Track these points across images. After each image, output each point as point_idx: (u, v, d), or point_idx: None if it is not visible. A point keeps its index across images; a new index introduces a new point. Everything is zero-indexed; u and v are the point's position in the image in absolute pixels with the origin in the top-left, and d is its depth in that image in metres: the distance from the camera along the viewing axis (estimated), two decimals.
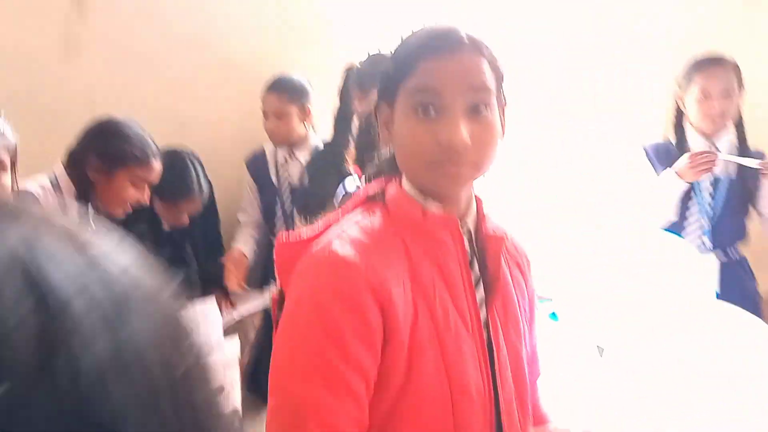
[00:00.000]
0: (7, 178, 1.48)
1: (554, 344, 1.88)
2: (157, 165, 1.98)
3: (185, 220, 2.37)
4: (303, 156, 2.54)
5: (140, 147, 1.92)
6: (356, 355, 0.85)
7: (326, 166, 2.30)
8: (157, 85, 2.60)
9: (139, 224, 2.28)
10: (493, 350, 0.97)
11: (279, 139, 2.54)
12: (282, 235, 0.98)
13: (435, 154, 0.89)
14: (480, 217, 1.01)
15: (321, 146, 2.46)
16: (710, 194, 2.29)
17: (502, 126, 0.97)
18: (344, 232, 0.92)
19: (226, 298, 2.46)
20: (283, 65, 2.54)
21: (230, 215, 2.69)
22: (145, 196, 1.97)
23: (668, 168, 2.25)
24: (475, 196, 1.03)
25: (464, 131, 0.88)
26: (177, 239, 2.46)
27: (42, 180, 1.89)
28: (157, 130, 2.37)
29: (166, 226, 2.40)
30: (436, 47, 0.90)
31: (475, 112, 0.90)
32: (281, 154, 2.58)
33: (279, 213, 2.61)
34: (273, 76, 2.51)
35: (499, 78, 0.95)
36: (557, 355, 1.83)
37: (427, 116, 0.89)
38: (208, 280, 2.50)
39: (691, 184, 2.25)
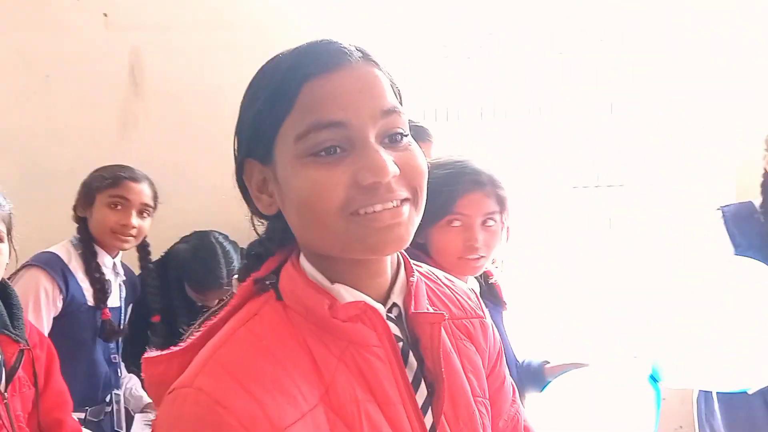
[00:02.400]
0: (4, 247, 1.53)
1: None
2: (136, 185, 2.07)
3: (213, 303, 2.35)
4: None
5: (112, 172, 2.07)
6: None
7: None
8: (205, 161, 2.74)
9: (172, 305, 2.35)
10: None
11: None
12: (150, 350, 0.74)
13: (355, 201, 0.66)
14: (408, 290, 0.76)
15: None
16: None
17: None
18: (219, 351, 0.67)
19: None
20: None
21: None
22: (129, 219, 2.04)
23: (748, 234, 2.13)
24: (403, 259, 0.79)
25: (390, 160, 0.66)
26: None
27: (63, 245, 2.04)
28: (204, 203, 2.51)
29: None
30: (322, 64, 0.67)
31: (393, 140, 0.69)
32: None
33: None
34: None
35: (398, 92, 0.73)
36: None
37: (331, 156, 0.66)
38: None
39: None
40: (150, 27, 2.72)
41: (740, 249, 2.15)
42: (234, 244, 2.38)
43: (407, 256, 0.79)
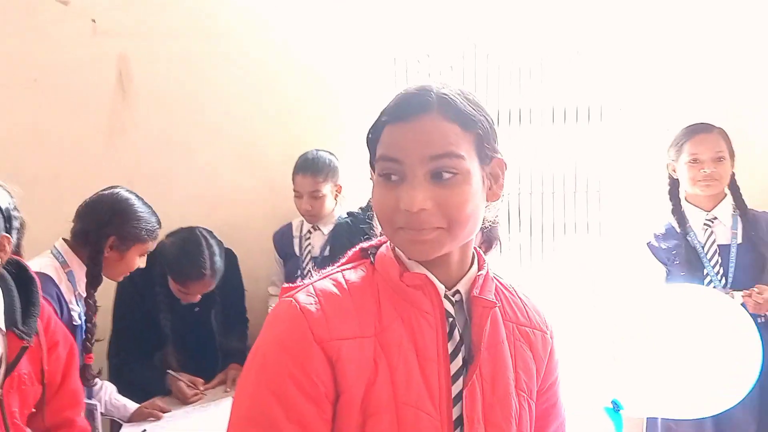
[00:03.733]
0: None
1: None
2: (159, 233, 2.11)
3: (195, 298, 2.40)
4: (326, 228, 2.64)
5: (150, 223, 2.05)
6: (298, 408, 0.83)
7: (350, 235, 2.41)
8: (191, 167, 2.79)
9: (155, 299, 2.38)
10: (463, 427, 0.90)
11: (314, 218, 2.62)
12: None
13: (398, 221, 0.87)
14: (474, 280, 0.95)
15: (344, 216, 2.60)
16: (718, 264, 2.31)
17: (496, 182, 0.94)
18: (320, 282, 0.92)
19: None
20: (307, 143, 2.68)
21: (260, 288, 2.80)
22: (144, 263, 2.08)
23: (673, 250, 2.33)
24: (478, 257, 0.99)
25: (420, 196, 0.85)
26: (199, 313, 2.49)
27: (49, 260, 1.97)
28: (189, 209, 2.56)
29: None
30: (398, 115, 0.88)
31: (438, 177, 0.86)
32: (306, 226, 2.68)
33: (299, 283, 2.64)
34: (303, 156, 2.60)
35: (479, 137, 0.90)
36: None
37: (390, 182, 0.88)
38: (228, 355, 2.54)
39: (700, 256, 2.31)
40: (138, 34, 2.75)
41: (667, 264, 2.35)
42: (219, 241, 2.41)
43: (482, 256, 1.00)
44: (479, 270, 0.97)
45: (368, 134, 0.93)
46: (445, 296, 0.92)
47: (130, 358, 2.37)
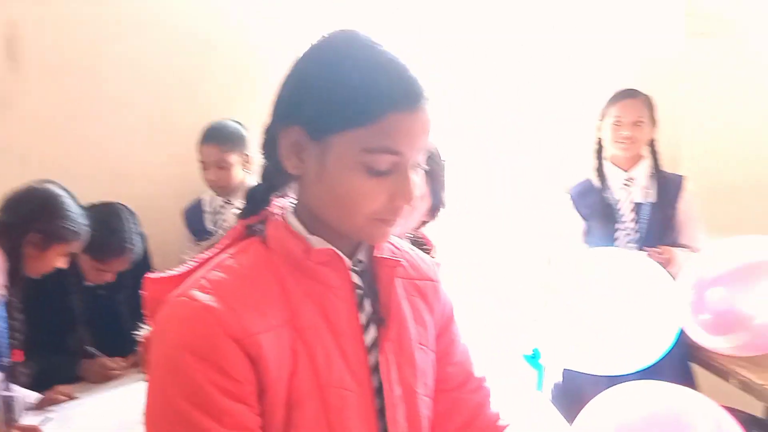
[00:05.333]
0: None
1: None
2: (87, 234, 1.99)
3: (111, 277, 2.30)
4: (239, 201, 2.55)
5: (78, 224, 1.95)
6: (227, 411, 0.75)
7: None
8: (90, 141, 2.61)
9: (59, 280, 2.19)
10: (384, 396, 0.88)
11: (222, 189, 2.54)
12: (153, 272, 0.88)
13: (383, 212, 0.81)
14: (371, 246, 0.92)
15: None
16: (634, 220, 2.46)
17: None
18: (210, 273, 0.82)
19: None
20: (215, 114, 2.57)
21: (171, 267, 2.67)
22: (65, 264, 1.99)
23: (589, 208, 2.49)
24: None
25: (417, 190, 0.82)
26: (106, 296, 2.38)
27: None
28: (91, 184, 2.39)
29: (88, 281, 2.32)
30: (407, 101, 0.78)
31: (414, 166, 0.83)
32: (217, 201, 2.59)
33: None
34: (208, 126, 2.51)
35: None
36: None
37: (378, 174, 0.80)
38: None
39: (615, 212, 2.46)
40: None
41: (587, 218, 2.53)
42: (135, 215, 2.31)
43: None
44: None
45: (332, 100, 0.78)
46: (351, 269, 0.89)
47: (39, 344, 2.21)
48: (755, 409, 2.55)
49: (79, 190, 2.11)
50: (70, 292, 2.29)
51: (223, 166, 2.48)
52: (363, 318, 0.89)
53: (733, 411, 2.67)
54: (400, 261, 0.93)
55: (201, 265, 0.86)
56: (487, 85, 2.96)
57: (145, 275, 0.89)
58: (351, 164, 0.79)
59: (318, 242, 0.86)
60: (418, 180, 0.83)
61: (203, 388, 0.74)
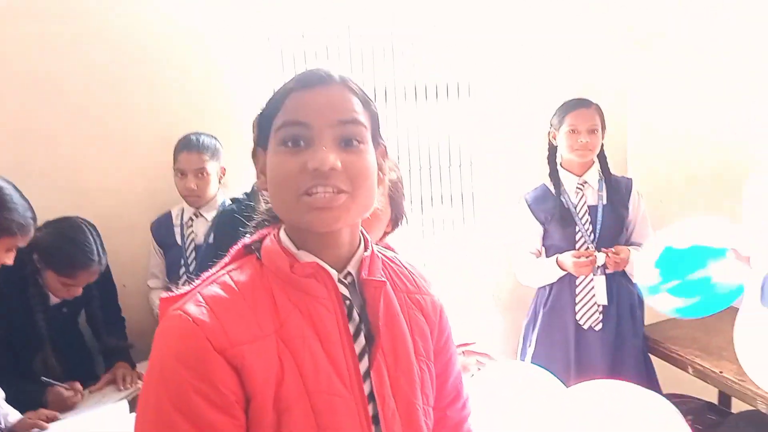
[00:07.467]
0: None
1: None
2: (33, 231, 1.93)
3: (79, 292, 2.25)
4: (209, 214, 2.53)
5: (23, 216, 1.87)
6: (209, 421, 0.81)
7: (235, 223, 2.33)
8: (51, 156, 2.53)
9: (23, 297, 2.17)
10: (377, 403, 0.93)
11: (196, 199, 2.50)
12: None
13: (304, 183, 0.86)
14: (362, 262, 0.97)
15: (228, 203, 2.50)
16: (589, 222, 2.59)
17: (381, 169, 0.96)
18: (206, 288, 0.89)
19: (132, 370, 2.35)
20: (182, 127, 2.56)
21: (138, 282, 2.63)
22: (11, 260, 1.89)
23: (547, 227, 2.64)
24: (364, 239, 1.00)
25: (332, 156, 0.86)
26: (69, 313, 2.35)
27: None
28: (52, 202, 2.31)
29: (54, 300, 2.27)
30: (304, 82, 0.89)
31: (347, 144, 0.88)
32: (187, 213, 2.56)
33: (182, 272, 2.52)
34: (187, 135, 2.50)
35: (373, 118, 0.94)
36: None
37: (297, 147, 0.87)
38: (112, 354, 2.40)
39: (572, 214, 2.59)
40: None
41: (545, 223, 2.65)
42: (96, 229, 2.27)
43: (368, 237, 1.00)
44: (365, 251, 0.98)
45: (264, 109, 0.93)
46: (339, 280, 0.94)
47: (4, 368, 2.13)
48: (711, 395, 2.71)
49: (41, 205, 2.06)
50: (36, 311, 2.22)
51: (203, 175, 2.47)
52: (352, 327, 0.93)
53: (691, 398, 2.83)
54: (385, 281, 0.98)
55: (203, 282, 0.93)
56: (434, 90, 3.04)
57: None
58: (273, 149, 0.90)
59: (305, 256, 0.92)
60: (360, 159, 0.89)
61: (190, 397, 0.81)
